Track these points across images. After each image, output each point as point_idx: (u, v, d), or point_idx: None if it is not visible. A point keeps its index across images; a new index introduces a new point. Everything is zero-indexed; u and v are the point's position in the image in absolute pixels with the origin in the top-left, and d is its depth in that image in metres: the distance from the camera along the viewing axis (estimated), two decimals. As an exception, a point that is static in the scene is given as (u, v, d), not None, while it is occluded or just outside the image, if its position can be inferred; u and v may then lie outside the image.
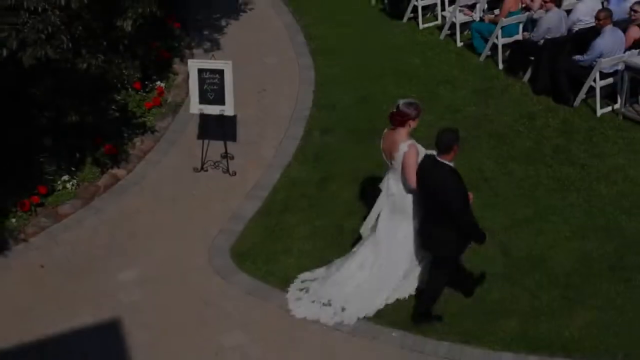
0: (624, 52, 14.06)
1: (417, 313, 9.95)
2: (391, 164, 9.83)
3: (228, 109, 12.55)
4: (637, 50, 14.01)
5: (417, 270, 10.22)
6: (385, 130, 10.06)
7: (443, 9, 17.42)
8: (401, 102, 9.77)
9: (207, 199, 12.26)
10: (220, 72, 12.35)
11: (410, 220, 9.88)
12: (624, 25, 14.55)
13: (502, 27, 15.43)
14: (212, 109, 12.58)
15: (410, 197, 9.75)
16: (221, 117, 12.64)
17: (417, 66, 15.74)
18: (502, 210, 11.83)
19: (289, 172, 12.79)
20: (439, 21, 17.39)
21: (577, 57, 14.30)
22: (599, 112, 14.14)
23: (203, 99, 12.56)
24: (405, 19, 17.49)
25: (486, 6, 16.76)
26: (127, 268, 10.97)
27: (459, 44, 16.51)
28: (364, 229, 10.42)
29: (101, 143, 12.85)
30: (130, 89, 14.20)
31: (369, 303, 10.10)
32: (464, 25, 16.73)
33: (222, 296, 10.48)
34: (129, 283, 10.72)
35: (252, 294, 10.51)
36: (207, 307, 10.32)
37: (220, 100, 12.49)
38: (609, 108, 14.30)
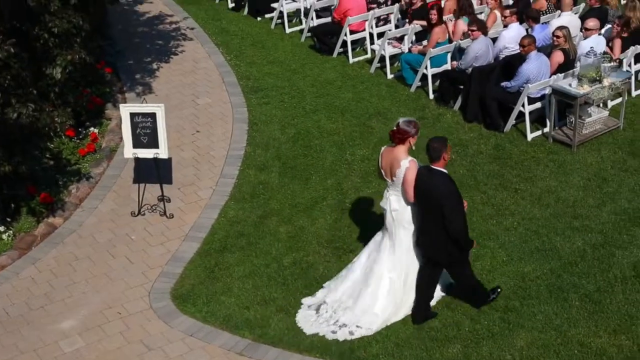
0: (550, 76, 14.35)
1: (475, 305, 10.59)
2: (392, 180, 10.21)
3: (162, 152, 12.55)
4: (563, 75, 14.31)
5: None
6: (383, 149, 10.40)
7: (372, 43, 17.63)
8: (401, 120, 10.17)
9: (145, 243, 12.22)
10: (153, 116, 12.35)
11: (413, 230, 10.33)
12: (548, 50, 14.88)
13: (430, 58, 15.65)
14: (146, 153, 12.57)
15: (409, 209, 10.22)
16: (156, 160, 12.63)
17: (349, 100, 15.90)
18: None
19: (227, 212, 12.81)
20: (369, 55, 17.59)
21: (505, 83, 14.58)
22: (530, 136, 14.41)
23: (137, 143, 12.55)
24: (335, 54, 17.65)
25: (414, 37, 16.99)
26: (68, 317, 10.86)
27: (390, 76, 16.70)
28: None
29: (36, 192, 12.76)
30: (63, 137, 14.13)
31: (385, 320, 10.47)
32: (394, 58, 16.95)
33: (165, 340, 10.44)
34: (71, 332, 10.62)
35: (194, 335, 10.48)
36: (150, 351, 10.27)
37: (154, 144, 12.48)
38: (539, 132, 14.58)
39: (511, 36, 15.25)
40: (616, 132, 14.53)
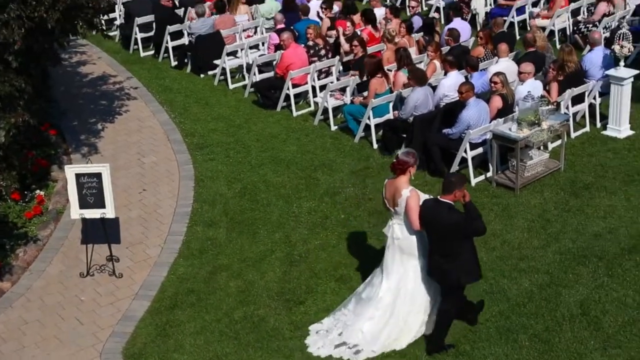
0: (490, 121, 14.62)
1: (431, 343, 10.72)
2: (395, 210, 10.65)
3: (109, 212, 12.56)
4: (502, 119, 14.58)
5: (434, 306, 10.91)
6: (386, 181, 10.95)
7: (315, 95, 17.82)
8: (399, 152, 10.77)
9: (95, 304, 12.17)
10: (98, 176, 12.37)
11: (417, 258, 10.73)
12: (487, 96, 15.18)
13: (373, 108, 15.86)
14: (93, 213, 12.57)
15: (414, 237, 10.66)
16: (103, 220, 12.62)
17: (294, 153, 16.03)
18: (388, 285, 12.05)
19: (176, 269, 12.81)
20: (312, 107, 17.78)
21: (447, 130, 14.82)
22: (473, 181, 14.62)
23: (83, 204, 12.55)
24: (278, 108, 17.81)
25: (356, 89, 17.21)
26: (18, 381, 10.79)
27: (333, 127, 16.89)
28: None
29: (-18, 257, 12.69)
30: (9, 200, 14.07)
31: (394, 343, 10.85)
32: (337, 109, 17.15)
33: (118, 399, 10.39)
34: (21, 396, 10.54)
35: (147, 394, 10.46)
36: (103, 412, 10.22)
37: (101, 204, 12.49)
38: (482, 177, 14.81)
39: (450, 84, 15.53)
40: (557, 173, 14.79)
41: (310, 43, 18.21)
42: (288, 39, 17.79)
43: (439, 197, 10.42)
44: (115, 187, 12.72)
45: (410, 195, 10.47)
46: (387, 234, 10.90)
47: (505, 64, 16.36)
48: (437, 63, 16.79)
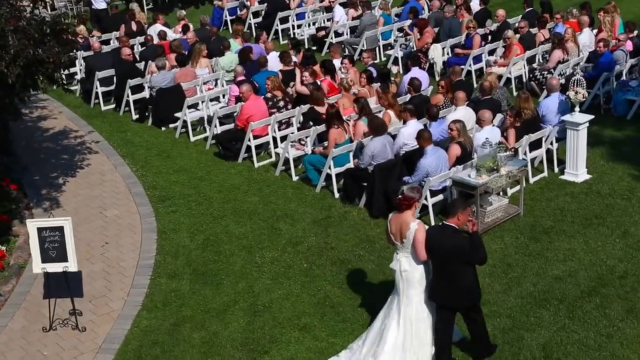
0: (449, 169, 14.80)
1: (482, 355, 11.33)
2: (402, 243, 11.01)
3: (71, 266, 12.53)
4: (462, 166, 14.76)
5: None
6: (391, 216, 11.26)
7: (276, 146, 17.94)
8: (405, 188, 11.23)
9: (58, 358, 12.08)
10: (60, 229, 12.36)
11: (422, 289, 11.05)
12: (446, 144, 15.37)
13: (333, 158, 15.99)
14: (56, 267, 12.53)
15: (420, 268, 10.99)
16: (66, 274, 12.59)
17: (256, 203, 16.10)
18: (351, 334, 12.09)
19: (139, 322, 12.77)
20: (273, 158, 17.88)
21: (406, 178, 14.97)
22: (434, 228, 14.75)
23: (45, 258, 12.51)
24: (240, 160, 17.91)
25: (316, 139, 17.35)
26: None
27: (295, 178, 17.00)
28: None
29: (-57, 314, 12.58)
30: (-31, 257, 14.02)
31: None
32: (298, 160, 17.28)
33: None
34: None
35: None
36: None
37: (63, 257, 12.46)
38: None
39: (410, 133, 15.71)
40: (517, 218, 14.97)
41: (269, 95, 18.37)
42: (247, 91, 17.94)
43: (444, 221, 10.91)
44: (77, 240, 12.70)
45: (418, 227, 10.85)
46: (394, 269, 11.20)
47: (463, 112, 16.58)
48: (391, 113, 16.98)
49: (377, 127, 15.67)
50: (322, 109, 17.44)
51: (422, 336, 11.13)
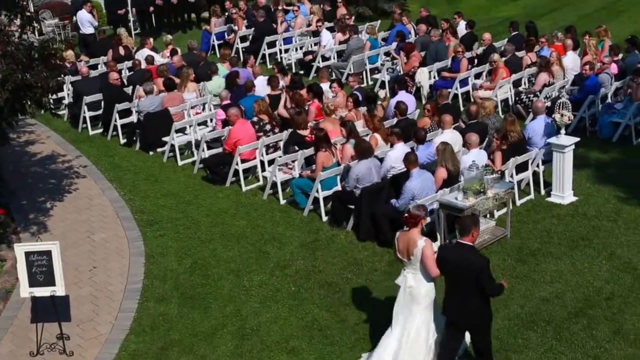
0: (437, 191, 14.86)
1: None
2: (409, 260, 11.26)
3: (59, 290, 12.51)
4: (449, 189, 14.83)
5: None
6: (398, 234, 11.55)
7: (263, 170, 17.98)
8: (411, 206, 11.73)
9: (46, 383, 12.10)
10: (48, 253, 12.36)
11: (427, 305, 11.33)
12: (433, 167, 15.43)
13: (321, 181, 16.04)
14: (43, 291, 12.52)
15: (425, 285, 11.24)
16: (53, 298, 12.57)
17: (244, 227, 16.13)
18: (339, 358, 12.12)
19: (127, 346, 12.75)
20: (261, 182, 17.92)
21: (393, 201, 15.01)
22: (422, 251, 14.78)
23: (33, 282, 12.50)
24: (227, 183, 17.94)
25: (304, 162, 17.40)
26: None
27: (282, 201, 17.03)
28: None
29: None
30: (-43, 282, 13.99)
31: None
32: (285, 183, 17.31)
33: None
34: None
35: None
36: None
37: (51, 282, 12.45)
38: (430, 246, 14.97)
39: (397, 156, 15.77)
40: (504, 240, 15.03)
41: (255, 119, 18.43)
42: (235, 115, 18.00)
43: (458, 240, 11.01)
44: (65, 264, 12.69)
45: (425, 244, 11.13)
46: (400, 284, 11.44)
47: (450, 135, 16.66)
48: (377, 136, 17.05)
49: (363, 151, 15.74)
50: (304, 132, 17.50)
51: (415, 353, 11.28)
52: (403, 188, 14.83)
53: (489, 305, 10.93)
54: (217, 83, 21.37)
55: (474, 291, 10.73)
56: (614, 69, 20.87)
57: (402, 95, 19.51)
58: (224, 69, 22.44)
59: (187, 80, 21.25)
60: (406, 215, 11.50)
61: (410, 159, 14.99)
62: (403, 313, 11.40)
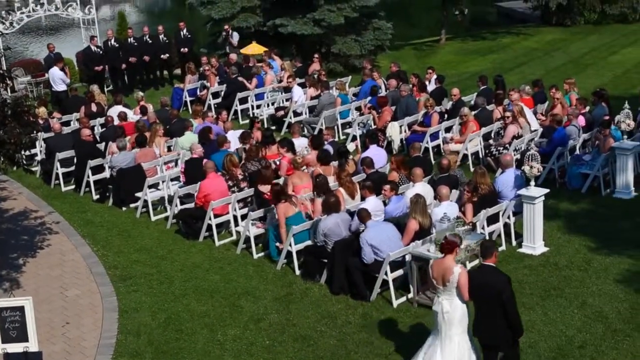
0: (408, 244, 14.96)
1: None
2: (445, 286, 11.86)
3: (32, 346, 12.47)
4: (421, 241, 14.94)
5: None
6: (432, 262, 12.40)
7: (236, 225, 18.03)
8: (447, 234, 12.54)
9: None
10: (21, 309, 12.32)
11: (464, 329, 11.91)
12: (404, 219, 15.55)
13: (293, 235, 16.11)
14: (16, 347, 12.46)
15: (460, 308, 11.83)
16: (26, 354, 12.51)
17: (217, 282, 16.14)
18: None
19: (101, 401, 12.72)
20: (234, 236, 17.96)
21: (362, 254, 15.06)
22: (395, 303, 14.85)
23: (6, 338, 12.44)
24: (201, 238, 17.97)
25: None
26: None
27: (256, 256, 17.07)
28: None
29: None
30: None
31: None
32: (259, 238, 17.36)
33: None
34: None
35: None
36: None
37: (24, 338, 12.40)
38: (404, 298, 15.04)
39: (370, 208, 15.85)
40: (476, 292, 15.11)
41: (225, 173, 18.52)
42: (208, 169, 18.08)
43: (482, 262, 11.85)
44: (38, 321, 12.65)
45: (461, 272, 11.78)
46: (437, 310, 11.95)
47: (421, 188, 16.81)
48: (342, 190, 17.15)
49: (330, 206, 15.85)
50: (265, 188, 17.60)
51: None
52: (359, 240, 15.01)
53: (519, 322, 11.64)
54: (188, 138, 21.46)
55: (500, 311, 11.41)
56: (581, 121, 21.19)
57: (374, 150, 19.70)
58: (196, 124, 22.57)
59: (156, 136, 21.37)
60: (443, 242, 12.22)
61: (362, 215, 15.27)
62: (441, 338, 11.92)
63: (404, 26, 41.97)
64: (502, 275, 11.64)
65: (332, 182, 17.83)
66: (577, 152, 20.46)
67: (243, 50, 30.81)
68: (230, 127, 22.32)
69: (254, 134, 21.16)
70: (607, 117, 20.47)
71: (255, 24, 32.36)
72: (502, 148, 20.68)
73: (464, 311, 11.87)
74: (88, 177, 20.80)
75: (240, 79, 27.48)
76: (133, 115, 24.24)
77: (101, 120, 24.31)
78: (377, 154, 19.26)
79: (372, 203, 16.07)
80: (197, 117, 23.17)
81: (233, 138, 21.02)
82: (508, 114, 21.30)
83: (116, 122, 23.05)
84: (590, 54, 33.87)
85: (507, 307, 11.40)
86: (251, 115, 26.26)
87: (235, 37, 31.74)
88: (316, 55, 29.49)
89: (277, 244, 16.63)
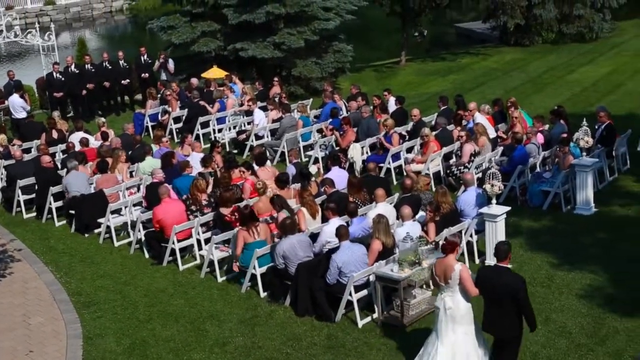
0: (373, 264, 15.01)
1: None
2: (447, 283, 12.55)
3: (-4, 375, 12.39)
4: (384, 261, 15.00)
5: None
6: (435, 260, 13.24)
7: (200, 248, 18.00)
8: (448, 235, 13.52)
9: None
10: (-16, 338, 12.25)
11: (467, 324, 12.57)
12: (367, 240, 15.61)
13: (258, 258, 16.11)
14: (-21, 377, 12.39)
15: (462, 304, 12.52)
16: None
17: (182, 306, 16.10)
18: None
19: None
20: (198, 260, 17.92)
21: (327, 275, 15.10)
22: (360, 323, 14.89)
23: (-32, 368, 12.37)
24: (164, 263, 17.92)
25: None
26: None
27: (220, 279, 17.04)
28: None
29: None
30: None
31: None
32: (222, 261, 17.34)
33: None
34: None
35: None
36: None
37: (-13, 367, 12.33)
38: (369, 318, 15.08)
39: (331, 230, 15.89)
40: (440, 311, 15.18)
41: (188, 197, 18.53)
42: (162, 194, 18.15)
43: (496, 263, 12.51)
44: (1, 350, 12.55)
45: (462, 268, 12.52)
46: (439, 306, 12.62)
47: (383, 208, 16.90)
48: (304, 210, 17.22)
49: (285, 228, 15.88)
50: (226, 210, 17.62)
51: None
52: (330, 261, 15.03)
53: (522, 321, 12.29)
54: (149, 163, 21.43)
55: (511, 309, 12.13)
56: (540, 139, 21.43)
57: (336, 171, 19.78)
58: (156, 149, 22.57)
59: (118, 162, 21.34)
60: (444, 242, 12.97)
61: (341, 232, 15.27)
62: (443, 332, 12.54)
63: (364, 48, 42.16)
64: (518, 275, 12.41)
65: (293, 204, 17.85)
66: (538, 169, 20.65)
67: (204, 75, 30.85)
68: (200, 148, 22.52)
69: (215, 158, 21.19)
70: (565, 135, 20.68)
71: (215, 48, 32.38)
72: (462, 167, 20.81)
73: (467, 307, 12.52)
74: (50, 204, 20.69)
75: (202, 103, 27.51)
76: (94, 142, 24.17)
77: (62, 146, 24.19)
78: (339, 176, 19.33)
79: (335, 224, 16.08)
80: (158, 143, 23.15)
81: (197, 161, 21.04)
82: (462, 133, 21.44)
83: (77, 148, 22.96)
84: (549, 73, 34.22)
85: (524, 305, 12.14)
86: (212, 139, 26.26)
87: (171, 64, 31.76)
88: (276, 79, 29.60)
89: (235, 263, 16.65)
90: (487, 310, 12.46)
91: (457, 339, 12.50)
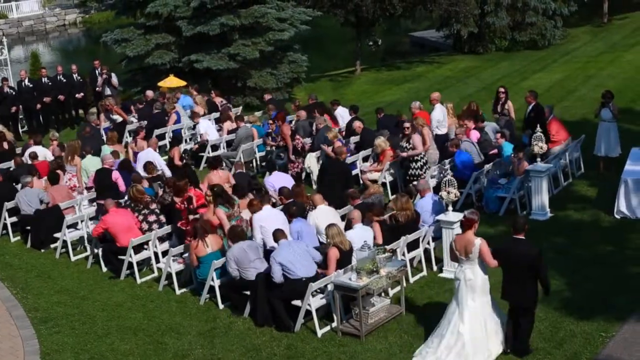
0: (333, 272, 15.04)
1: (521, 349, 13.68)
2: (467, 257, 13.49)
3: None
4: (342, 270, 15.02)
5: (500, 332, 13.75)
6: (455, 236, 14.13)
7: (158, 261, 17.91)
8: (466, 212, 13.95)
9: None
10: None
11: (486, 294, 13.59)
12: (327, 248, 15.64)
13: (215, 269, 16.07)
14: None
15: (481, 277, 13.51)
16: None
17: (140, 319, 16.01)
18: None
19: None
20: (156, 273, 17.84)
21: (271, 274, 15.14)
22: (319, 332, 14.90)
23: None
24: (122, 276, 17.82)
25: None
26: None
27: (178, 292, 16.98)
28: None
29: None
30: None
31: None
32: (180, 274, 17.26)
33: None
34: None
35: None
36: None
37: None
38: (328, 327, 15.09)
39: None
40: (400, 317, 15.23)
41: (132, 204, 18.55)
42: (108, 204, 18.15)
43: (513, 236, 13.50)
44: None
45: (481, 243, 13.44)
46: (459, 277, 13.57)
47: (323, 209, 17.32)
48: (244, 215, 17.33)
49: (234, 235, 15.96)
50: (178, 199, 17.96)
51: (488, 330, 13.49)
52: (270, 260, 15.21)
53: (537, 289, 13.28)
54: (91, 162, 21.79)
55: (529, 278, 13.12)
56: (474, 136, 21.93)
57: (277, 175, 20.35)
58: (108, 149, 22.71)
59: (74, 153, 21.97)
60: (462, 219, 13.78)
61: (276, 235, 15.61)
62: (463, 301, 13.43)
63: (319, 58, 42.31)
64: (534, 247, 13.33)
65: (246, 215, 17.74)
66: (484, 170, 20.68)
67: (161, 83, 30.78)
68: (156, 145, 23.34)
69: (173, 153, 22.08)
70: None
71: (170, 60, 32.32)
72: (420, 170, 20.67)
73: (485, 279, 13.47)
74: (5, 219, 20.50)
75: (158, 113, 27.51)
76: (50, 155, 23.99)
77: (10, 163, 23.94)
78: (282, 180, 19.75)
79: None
80: (112, 144, 23.18)
81: (149, 157, 21.73)
82: (407, 124, 21.37)
83: (28, 162, 22.87)
84: (503, 80, 34.45)
85: (541, 273, 13.18)
86: (168, 148, 26.13)
87: (114, 78, 31.65)
88: (212, 91, 29.66)
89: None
90: (505, 280, 13.45)
91: (475, 306, 13.41)
